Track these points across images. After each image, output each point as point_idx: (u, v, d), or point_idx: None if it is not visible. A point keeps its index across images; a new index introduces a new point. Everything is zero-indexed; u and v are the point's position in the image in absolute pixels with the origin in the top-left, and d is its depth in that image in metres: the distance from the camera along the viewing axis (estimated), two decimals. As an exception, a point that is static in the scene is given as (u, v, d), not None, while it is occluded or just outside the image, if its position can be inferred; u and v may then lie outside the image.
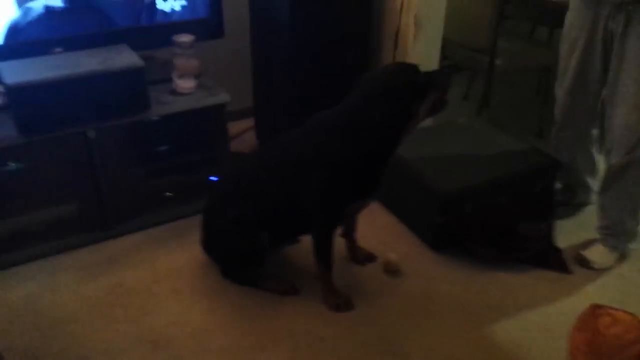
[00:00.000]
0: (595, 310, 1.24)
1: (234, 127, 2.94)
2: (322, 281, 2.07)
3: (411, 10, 2.64)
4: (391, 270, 2.22)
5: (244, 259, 2.09)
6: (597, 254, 2.29)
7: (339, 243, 2.23)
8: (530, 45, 3.47)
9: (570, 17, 2.24)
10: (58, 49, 2.29)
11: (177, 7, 2.52)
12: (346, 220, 2.20)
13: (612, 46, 2.10)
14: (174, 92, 2.43)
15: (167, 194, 2.44)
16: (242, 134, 3.03)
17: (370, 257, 2.28)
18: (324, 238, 2.01)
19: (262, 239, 2.03)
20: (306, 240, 2.08)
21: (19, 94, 2.04)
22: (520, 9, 3.71)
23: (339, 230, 2.22)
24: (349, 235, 2.26)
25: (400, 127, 1.86)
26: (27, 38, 2.26)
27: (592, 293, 2.15)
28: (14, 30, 2.23)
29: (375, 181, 1.96)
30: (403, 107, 1.82)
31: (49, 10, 2.27)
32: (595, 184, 2.51)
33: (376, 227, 2.47)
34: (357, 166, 1.89)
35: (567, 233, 2.45)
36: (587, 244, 2.36)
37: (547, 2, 3.00)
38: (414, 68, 1.88)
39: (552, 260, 2.28)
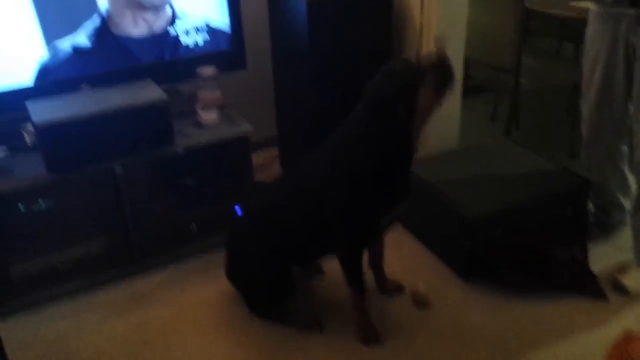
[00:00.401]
0: (628, 336, 1.19)
1: (258, 156, 2.96)
2: (357, 310, 2.02)
3: (431, 31, 2.62)
4: (420, 301, 2.18)
5: (271, 292, 2.07)
6: (634, 279, 2.21)
7: (366, 274, 2.20)
8: (556, 62, 3.42)
9: (590, 33, 2.20)
10: (85, 86, 2.33)
11: (200, 41, 2.56)
12: (372, 248, 2.17)
13: (634, 60, 2.05)
14: (197, 125, 2.45)
15: (193, 227, 2.45)
16: (267, 164, 3.03)
17: (398, 288, 2.24)
18: (353, 259, 1.96)
19: (290, 271, 2.01)
20: (331, 274, 2.05)
21: (48, 133, 2.08)
22: (544, 25, 3.67)
23: (366, 262, 2.20)
24: (377, 264, 2.22)
25: (400, 128, 1.81)
26: (55, 77, 2.31)
27: (629, 320, 2.06)
28: (43, 71, 2.29)
29: (398, 189, 1.92)
30: (392, 112, 1.78)
31: (76, 49, 2.32)
32: (628, 203, 2.44)
33: (403, 256, 2.44)
34: (373, 174, 1.85)
35: (602, 256, 2.37)
36: (624, 267, 2.28)
37: (570, 17, 2.96)
38: (402, 67, 1.83)
39: (588, 286, 2.21)
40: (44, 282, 2.22)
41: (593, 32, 2.20)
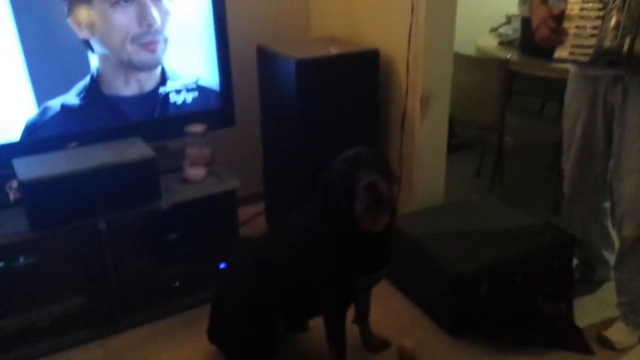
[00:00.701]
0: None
1: (244, 212, 2.96)
2: None
3: (417, 91, 2.69)
4: (407, 357, 2.14)
5: (256, 348, 2.02)
6: (619, 333, 2.20)
7: (352, 329, 2.18)
8: (539, 121, 3.49)
9: (569, 93, 2.27)
10: (73, 144, 2.35)
11: (190, 99, 2.60)
12: (358, 302, 2.15)
13: (613, 118, 2.11)
14: (184, 181, 2.46)
15: (175, 284, 2.42)
16: (252, 219, 3.04)
17: (384, 344, 2.21)
18: (336, 318, 1.96)
19: (275, 326, 1.99)
20: (315, 329, 2.03)
21: (32, 189, 2.08)
22: (527, 85, 3.77)
23: (351, 316, 2.18)
24: (362, 320, 2.20)
25: (345, 219, 1.79)
26: (43, 135, 2.33)
27: (617, 375, 2.04)
28: (31, 128, 2.30)
29: (379, 254, 1.92)
30: (332, 202, 1.80)
31: (65, 107, 2.35)
32: (612, 258, 2.44)
33: (390, 311, 2.41)
34: (346, 242, 1.85)
35: (587, 311, 2.36)
36: (609, 322, 2.26)
37: (553, 78, 3.04)
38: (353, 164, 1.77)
39: (574, 341, 2.19)
40: (22, 341, 2.17)
41: (572, 92, 2.27)
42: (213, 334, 2.13)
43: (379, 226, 1.79)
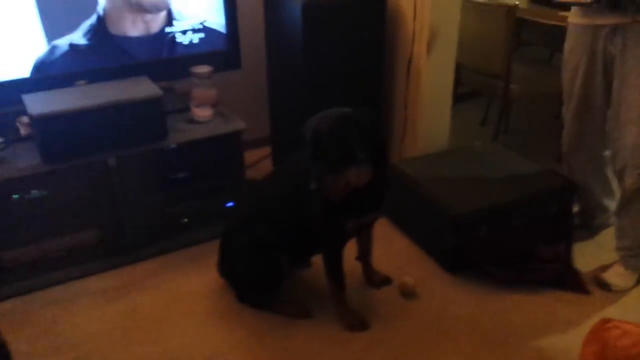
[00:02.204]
0: (605, 323, 1.22)
1: (251, 155, 3.00)
2: (335, 301, 2.08)
3: (423, 36, 2.68)
4: (407, 292, 2.21)
5: (262, 281, 2.11)
6: (617, 276, 2.25)
7: (356, 266, 2.25)
8: (546, 70, 3.48)
9: (568, 45, 2.28)
10: (81, 82, 2.38)
11: (196, 40, 2.61)
12: (360, 241, 2.21)
13: (612, 68, 2.12)
14: (191, 121, 2.49)
15: (184, 220, 2.48)
16: (259, 162, 3.08)
17: (386, 280, 2.28)
18: (332, 257, 2.03)
19: (280, 262, 2.06)
20: (319, 264, 2.09)
21: (43, 124, 2.12)
22: (536, 35, 3.74)
23: (354, 254, 2.24)
24: (364, 258, 2.26)
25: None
26: (52, 72, 2.36)
27: (611, 314, 2.07)
28: (40, 65, 2.33)
29: (368, 200, 1.96)
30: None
31: (73, 46, 2.37)
32: (612, 205, 2.48)
33: (392, 251, 2.47)
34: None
35: (586, 255, 2.42)
36: (607, 266, 2.32)
37: (561, 27, 3.02)
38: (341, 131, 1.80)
39: (570, 281, 2.25)
40: (36, 270, 2.25)
41: (572, 44, 2.27)
42: (222, 269, 2.21)
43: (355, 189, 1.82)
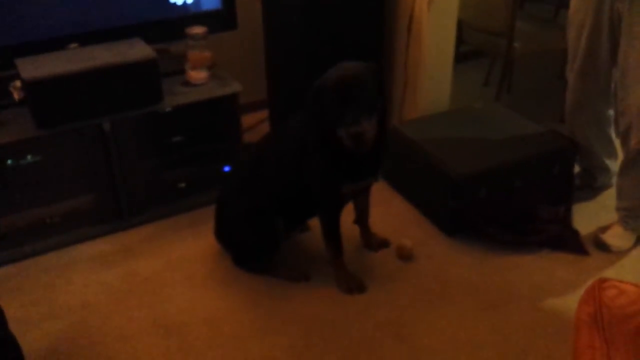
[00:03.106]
0: (602, 283, 1.20)
1: (248, 119, 2.97)
2: (333, 264, 2.08)
3: (424, -9, 2.60)
4: (405, 255, 2.21)
5: (259, 245, 2.11)
6: (616, 237, 2.24)
7: (353, 229, 2.24)
8: (550, 27, 3.40)
9: (574, 2, 2.22)
10: (74, 45, 2.34)
11: (190, 0, 2.55)
12: (357, 205, 2.20)
13: (619, 26, 2.07)
14: (187, 84, 2.46)
15: (181, 184, 2.47)
16: (257, 126, 3.05)
17: (383, 243, 2.27)
18: (329, 220, 2.02)
19: (277, 225, 2.05)
20: (317, 228, 2.09)
21: (36, 88, 2.09)
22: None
23: (352, 218, 2.23)
24: (362, 221, 2.25)
25: (326, 133, 1.81)
26: (44, 35, 2.31)
27: (609, 274, 2.09)
28: (33, 29, 2.28)
29: (365, 165, 1.94)
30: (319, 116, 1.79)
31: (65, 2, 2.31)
32: (614, 165, 2.45)
33: (391, 214, 2.46)
34: (329, 153, 1.87)
35: (586, 216, 2.40)
36: (607, 227, 2.30)
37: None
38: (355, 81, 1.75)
39: (569, 242, 2.24)
40: (31, 236, 2.26)
41: (578, 1, 2.21)
42: (218, 234, 2.20)
43: (362, 151, 1.78)
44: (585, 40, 2.20)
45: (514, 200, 2.35)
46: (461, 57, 3.50)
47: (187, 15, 2.55)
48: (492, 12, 3.05)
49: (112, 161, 2.29)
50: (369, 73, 1.78)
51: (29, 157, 2.16)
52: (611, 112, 2.37)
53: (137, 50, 2.29)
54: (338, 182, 1.94)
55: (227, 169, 2.54)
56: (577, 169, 2.55)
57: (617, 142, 2.41)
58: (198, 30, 2.47)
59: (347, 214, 2.12)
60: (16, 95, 2.26)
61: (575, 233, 2.28)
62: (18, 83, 2.23)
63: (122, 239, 2.34)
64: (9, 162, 2.13)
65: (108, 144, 2.26)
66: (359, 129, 1.71)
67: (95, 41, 2.33)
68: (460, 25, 2.97)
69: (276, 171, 2.03)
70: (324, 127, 1.81)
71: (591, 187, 2.55)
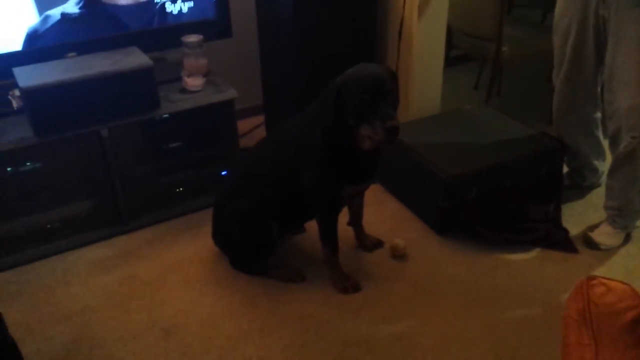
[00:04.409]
0: (590, 280, 1.24)
1: (244, 124, 3.02)
2: (329, 264, 2.12)
3: (414, 0, 2.66)
4: (398, 255, 2.25)
5: (255, 249, 2.14)
6: (605, 235, 2.29)
7: (348, 231, 2.28)
8: (538, 31, 3.46)
9: (559, 8, 2.27)
10: (72, 53, 2.38)
11: (185, 9, 2.60)
12: (352, 207, 2.24)
13: (604, 31, 2.11)
14: (183, 91, 2.50)
15: (179, 189, 2.51)
16: (252, 131, 3.09)
17: (377, 244, 2.32)
18: (328, 222, 2.06)
19: (272, 229, 2.09)
20: (313, 230, 2.13)
21: (33, 96, 2.13)
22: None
23: (346, 219, 2.27)
24: (356, 222, 2.30)
25: (344, 133, 1.84)
26: (43, 44, 2.36)
27: (598, 272, 2.14)
28: (32, 37, 2.33)
29: (366, 168, 1.99)
30: (338, 115, 1.81)
31: (65, 16, 2.36)
32: (602, 165, 2.50)
33: (384, 214, 2.51)
34: (333, 155, 1.91)
35: (576, 215, 2.45)
36: (596, 225, 2.35)
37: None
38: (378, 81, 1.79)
39: (559, 240, 2.29)
40: (32, 241, 2.30)
41: (562, 7, 2.25)
42: (216, 237, 2.24)
43: (392, 143, 1.82)
44: (570, 46, 2.24)
45: (504, 200, 2.40)
46: (451, 62, 3.56)
47: (183, 24, 2.60)
48: (480, 18, 3.12)
49: (110, 167, 2.33)
50: (387, 73, 1.85)
51: (28, 164, 2.20)
52: (598, 115, 2.42)
53: (134, 58, 2.33)
54: (339, 184, 1.98)
55: (224, 173, 2.58)
56: (566, 169, 2.61)
57: (605, 143, 2.46)
58: (193, 38, 2.53)
59: (342, 216, 2.16)
60: (15, 104, 2.31)
61: (565, 232, 2.33)
62: (16, 91, 2.27)
63: (121, 243, 2.37)
64: (9, 169, 2.17)
65: (106, 150, 2.30)
66: (395, 123, 1.75)
67: (93, 50, 2.37)
68: (450, 31, 3.03)
69: (271, 176, 2.07)
70: (345, 123, 1.81)
71: (580, 187, 2.61)
